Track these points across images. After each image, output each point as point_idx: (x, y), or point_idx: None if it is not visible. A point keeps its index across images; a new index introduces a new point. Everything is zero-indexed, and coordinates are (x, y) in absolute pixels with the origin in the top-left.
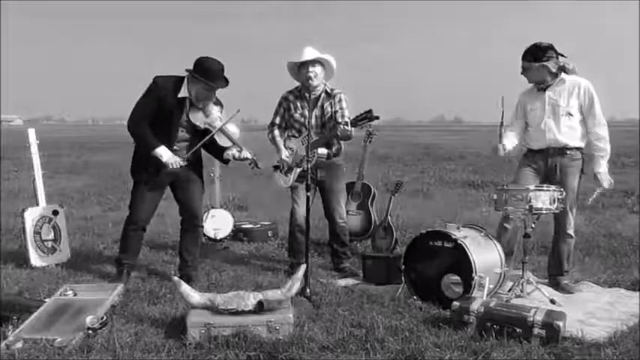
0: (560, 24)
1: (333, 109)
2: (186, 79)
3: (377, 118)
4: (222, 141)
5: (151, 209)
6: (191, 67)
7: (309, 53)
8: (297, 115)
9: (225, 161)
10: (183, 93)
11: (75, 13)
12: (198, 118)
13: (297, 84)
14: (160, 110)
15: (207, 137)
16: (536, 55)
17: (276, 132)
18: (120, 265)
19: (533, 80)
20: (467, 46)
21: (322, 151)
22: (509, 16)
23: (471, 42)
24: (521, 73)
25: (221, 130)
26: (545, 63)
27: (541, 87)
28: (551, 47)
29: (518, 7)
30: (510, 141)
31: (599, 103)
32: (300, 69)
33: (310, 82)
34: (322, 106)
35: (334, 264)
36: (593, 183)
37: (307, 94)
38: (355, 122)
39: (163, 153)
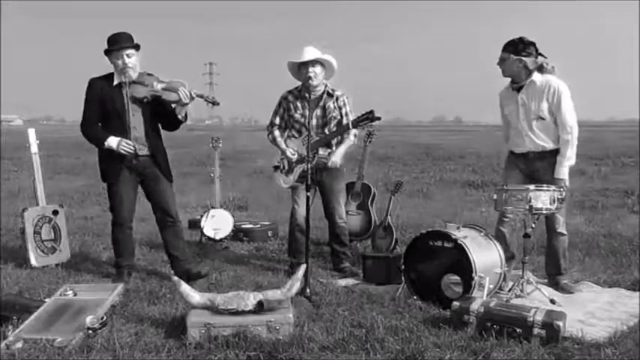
0: (560, 23)
1: (338, 113)
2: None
3: (379, 118)
4: (170, 96)
5: (130, 207)
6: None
7: (310, 53)
8: (297, 116)
9: (184, 117)
10: (117, 80)
11: (75, 14)
12: (140, 92)
13: (298, 84)
14: (104, 105)
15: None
16: (517, 48)
17: (277, 132)
18: (119, 267)
19: (508, 73)
20: (467, 46)
21: (322, 152)
22: (510, 16)
23: (472, 42)
24: (498, 64)
25: (165, 88)
26: (523, 57)
27: (515, 86)
28: (533, 44)
29: (519, 7)
30: None
31: (570, 105)
32: (300, 69)
33: (310, 82)
34: (324, 107)
35: (334, 264)
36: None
37: (307, 94)
38: (357, 123)
39: (112, 142)
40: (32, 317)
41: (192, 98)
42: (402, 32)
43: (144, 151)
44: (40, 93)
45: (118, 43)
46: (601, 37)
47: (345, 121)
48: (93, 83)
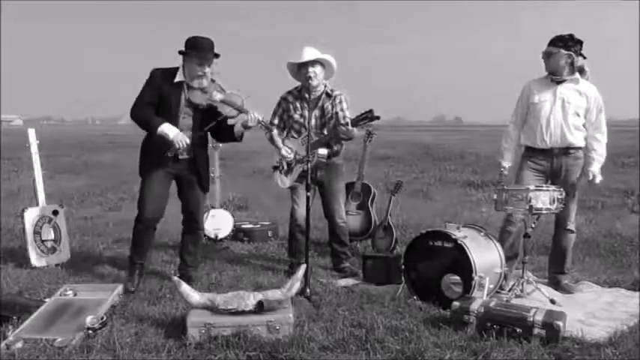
0: (560, 23)
1: (334, 111)
2: (181, 65)
3: (378, 118)
4: (227, 111)
5: (159, 206)
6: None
7: (309, 53)
8: (296, 116)
9: (239, 136)
10: (179, 78)
11: (75, 14)
12: (197, 97)
13: (298, 84)
14: (160, 98)
15: (221, 117)
16: (567, 43)
17: (275, 131)
18: (132, 263)
19: (552, 67)
20: (466, 46)
21: (322, 151)
22: (509, 16)
23: (472, 42)
24: (543, 58)
25: (223, 100)
26: (572, 53)
27: (555, 79)
28: (581, 43)
29: (518, 7)
30: (509, 158)
31: (604, 114)
32: (299, 69)
33: (310, 82)
34: (322, 107)
35: (334, 264)
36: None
37: (307, 95)
38: (356, 122)
39: (169, 130)
40: (32, 317)
41: (250, 127)
42: (403, 32)
43: (184, 155)
44: (40, 93)
45: (204, 52)
46: (601, 36)
47: (341, 115)
48: (155, 74)
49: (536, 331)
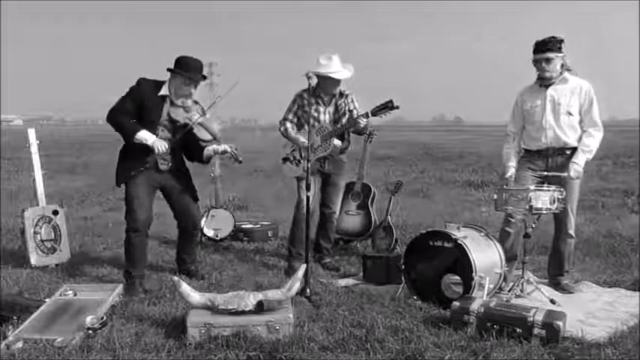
0: (560, 23)
1: (348, 108)
2: (168, 79)
3: (397, 107)
4: (202, 134)
5: (149, 210)
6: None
7: (341, 70)
8: (311, 111)
9: (207, 159)
10: (164, 92)
11: (75, 14)
12: (178, 114)
13: (296, 84)
14: (141, 109)
15: (188, 127)
16: (558, 46)
17: (288, 124)
18: (130, 277)
19: (551, 72)
20: (467, 46)
21: (337, 142)
22: (509, 16)
23: (472, 42)
24: (544, 64)
25: (201, 123)
26: (561, 55)
27: (544, 83)
28: (563, 41)
29: (518, 7)
30: (513, 167)
31: (598, 107)
32: (326, 77)
33: (336, 91)
34: (336, 104)
35: (317, 259)
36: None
37: (323, 94)
38: (376, 112)
39: (147, 136)
40: (32, 317)
41: (218, 153)
42: (403, 32)
43: (165, 165)
44: (40, 93)
45: (194, 73)
46: (601, 36)
47: (355, 114)
48: (141, 84)
49: (536, 331)
